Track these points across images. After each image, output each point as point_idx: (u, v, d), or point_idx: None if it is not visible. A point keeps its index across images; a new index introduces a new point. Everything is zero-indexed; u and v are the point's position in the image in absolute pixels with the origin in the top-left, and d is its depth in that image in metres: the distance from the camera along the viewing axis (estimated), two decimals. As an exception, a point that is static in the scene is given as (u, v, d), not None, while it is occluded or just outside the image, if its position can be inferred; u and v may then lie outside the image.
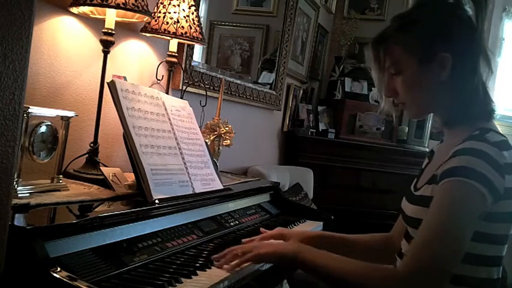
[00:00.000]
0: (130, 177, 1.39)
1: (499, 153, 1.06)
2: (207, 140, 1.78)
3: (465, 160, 1.05)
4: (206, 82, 2.28)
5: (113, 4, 1.41)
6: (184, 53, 2.10)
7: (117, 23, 1.52)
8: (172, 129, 1.49)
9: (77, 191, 1.28)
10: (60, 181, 1.26)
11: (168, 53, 1.88)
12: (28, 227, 0.93)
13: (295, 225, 1.83)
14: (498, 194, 1.05)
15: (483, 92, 1.18)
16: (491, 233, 1.09)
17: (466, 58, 1.16)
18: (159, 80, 1.93)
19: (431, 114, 1.31)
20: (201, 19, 1.95)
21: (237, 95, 2.66)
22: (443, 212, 1.05)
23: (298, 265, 1.15)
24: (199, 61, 2.45)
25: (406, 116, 1.31)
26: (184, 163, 1.47)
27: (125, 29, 1.77)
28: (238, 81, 2.68)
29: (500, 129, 1.15)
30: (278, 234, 1.41)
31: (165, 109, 1.51)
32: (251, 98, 2.83)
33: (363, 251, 1.40)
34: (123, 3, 1.42)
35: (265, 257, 1.20)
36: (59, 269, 0.88)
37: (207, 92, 2.08)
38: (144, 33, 1.79)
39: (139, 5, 1.46)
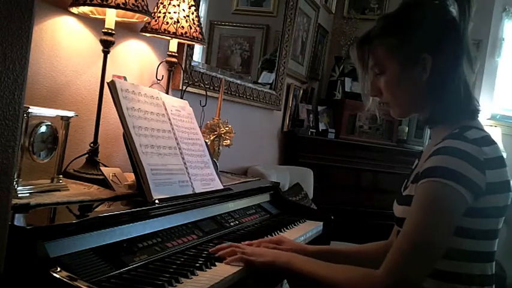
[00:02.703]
0: (131, 177, 1.39)
1: (478, 149, 1.08)
2: (207, 140, 1.78)
3: (442, 160, 1.07)
4: (206, 82, 2.28)
5: (112, 4, 1.41)
6: (184, 53, 2.10)
7: (117, 23, 1.52)
8: (172, 129, 1.49)
9: (77, 191, 1.28)
10: (60, 181, 1.26)
11: (168, 53, 1.88)
12: (28, 227, 0.93)
13: (295, 225, 1.83)
14: (479, 190, 1.07)
15: (465, 92, 1.19)
16: (479, 228, 1.11)
17: (447, 59, 1.17)
18: (159, 80, 1.93)
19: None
20: (201, 19, 1.95)
21: (237, 95, 2.66)
22: (420, 214, 1.08)
23: (290, 274, 1.23)
24: (199, 61, 2.45)
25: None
26: (184, 163, 1.47)
27: (125, 29, 1.77)
28: (238, 81, 2.68)
29: (500, 129, 1.17)
30: (278, 240, 1.42)
31: (165, 109, 1.51)
32: (251, 98, 2.83)
33: (362, 262, 1.39)
34: (123, 3, 1.42)
35: (263, 265, 1.22)
36: (59, 269, 0.88)
37: (207, 92, 2.08)
38: (144, 33, 1.79)
39: (139, 5, 1.46)
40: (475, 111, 1.20)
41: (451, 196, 1.06)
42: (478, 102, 1.22)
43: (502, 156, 1.15)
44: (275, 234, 1.60)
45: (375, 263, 1.12)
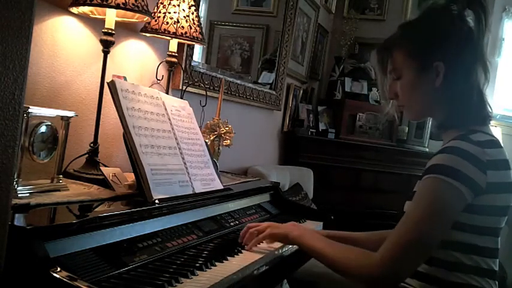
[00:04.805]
0: (130, 177, 1.39)
1: (481, 150, 1.14)
2: (207, 140, 1.78)
3: (444, 158, 1.14)
4: (206, 82, 2.28)
5: (112, 4, 1.41)
6: (184, 53, 2.10)
7: (117, 23, 1.52)
8: (172, 129, 1.49)
9: (77, 191, 1.28)
10: (60, 181, 1.26)
11: (168, 53, 1.88)
12: (28, 227, 0.93)
13: (295, 225, 1.82)
14: (479, 188, 1.12)
15: (478, 99, 1.24)
16: (476, 224, 1.16)
17: (460, 68, 1.22)
18: (159, 80, 1.93)
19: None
20: (201, 19, 1.95)
21: (237, 95, 2.66)
22: (419, 208, 1.14)
23: (300, 247, 1.32)
24: (199, 61, 2.45)
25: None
26: (184, 163, 1.47)
27: (125, 29, 1.77)
28: (238, 81, 2.68)
29: (500, 129, 1.20)
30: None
31: (165, 109, 1.51)
32: (251, 98, 2.83)
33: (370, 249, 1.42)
34: (123, 3, 1.42)
35: (276, 236, 1.36)
36: (59, 269, 0.88)
37: (207, 92, 2.08)
38: (144, 33, 1.79)
39: (139, 5, 1.46)
40: (486, 118, 1.25)
41: (450, 192, 1.11)
42: (491, 109, 1.27)
43: (507, 159, 1.20)
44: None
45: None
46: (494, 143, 1.18)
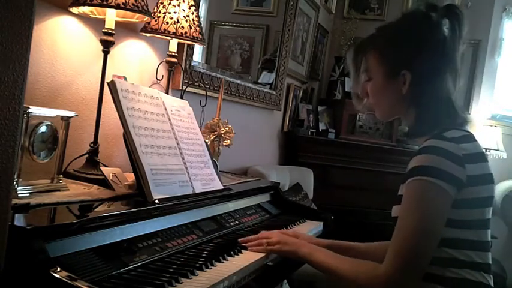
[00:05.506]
0: (131, 177, 1.39)
1: (456, 146, 1.16)
2: (207, 140, 1.78)
3: (423, 159, 1.17)
4: (206, 82, 2.28)
5: (113, 4, 1.41)
6: (184, 53, 2.10)
7: (117, 23, 1.52)
8: (172, 129, 1.49)
9: (77, 191, 1.28)
10: (60, 181, 1.26)
11: (168, 53, 1.88)
12: (28, 227, 0.93)
13: (295, 225, 1.82)
14: (461, 183, 1.15)
15: (446, 108, 1.26)
16: (463, 219, 1.17)
17: (427, 78, 1.25)
18: (159, 80, 1.93)
19: None
20: (201, 19, 1.95)
21: (237, 95, 2.66)
22: (409, 212, 1.16)
23: (309, 263, 1.32)
24: (199, 61, 2.45)
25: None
26: (184, 163, 1.47)
27: (125, 29, 1.77)
28: (238, 81, 2.68)
29: (500, 129, 1.21)
30: (293, 235, 1.51)
31: (165, 109, 1.51)
32: (251, 98, 2.83)
33: (371, 259, 1.43)
34: (123, 3, 1.42)
35: (286, 253, 1.36)
36: (59, 269, 0.88)
37: (207, 92, 2.08)
38: (144, 33, 1.79)
39: (139, 5, 1.46)
40: (463, 123, 1.27)
41: (436, 192, 1.13)
42: (465, 113, 1.29)
43: (483, 152, 1.23)
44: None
45: (382, 260, 1.18)
46: (468, 138, 1.21)
